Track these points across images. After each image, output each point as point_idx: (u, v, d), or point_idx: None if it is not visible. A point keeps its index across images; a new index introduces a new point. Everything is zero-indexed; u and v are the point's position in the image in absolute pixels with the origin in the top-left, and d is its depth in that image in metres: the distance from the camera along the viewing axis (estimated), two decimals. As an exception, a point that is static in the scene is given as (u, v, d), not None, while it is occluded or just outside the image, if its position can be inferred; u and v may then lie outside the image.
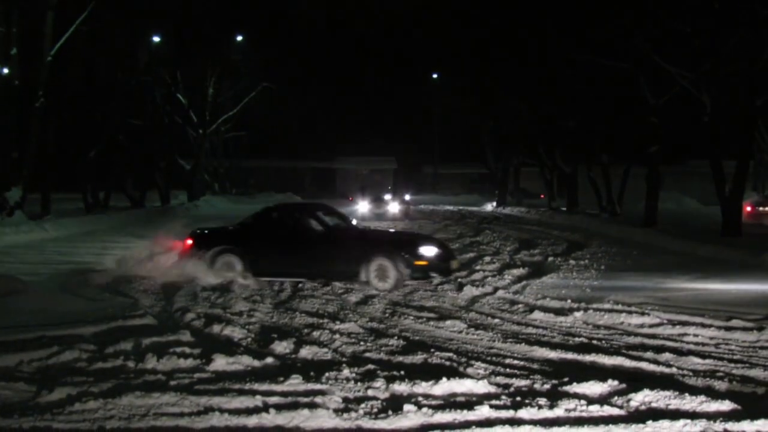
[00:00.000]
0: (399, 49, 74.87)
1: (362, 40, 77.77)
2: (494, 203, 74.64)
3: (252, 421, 8.32)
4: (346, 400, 9.08)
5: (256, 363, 10.84)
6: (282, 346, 11.89)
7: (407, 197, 64.34)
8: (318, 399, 9.00)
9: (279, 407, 8.65)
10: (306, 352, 11.57)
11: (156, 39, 57.45)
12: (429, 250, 19.43)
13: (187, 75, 63.01)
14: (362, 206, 55.68)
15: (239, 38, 66.34)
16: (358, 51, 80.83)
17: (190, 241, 21.02)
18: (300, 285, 19.02)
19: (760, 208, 58.26)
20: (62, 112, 45.90)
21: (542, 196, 76.29)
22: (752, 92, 33.23)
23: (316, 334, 13.01)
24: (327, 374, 10.17)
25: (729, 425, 8.08)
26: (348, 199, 60.85)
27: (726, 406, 8.75)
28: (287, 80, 67.66)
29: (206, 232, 22.09)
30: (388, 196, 59.85)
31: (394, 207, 54.62)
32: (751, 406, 8.71)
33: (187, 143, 66.36)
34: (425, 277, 19.23)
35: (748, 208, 56.13)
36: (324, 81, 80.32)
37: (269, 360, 11.01)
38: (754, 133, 40.04)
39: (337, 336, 12.79)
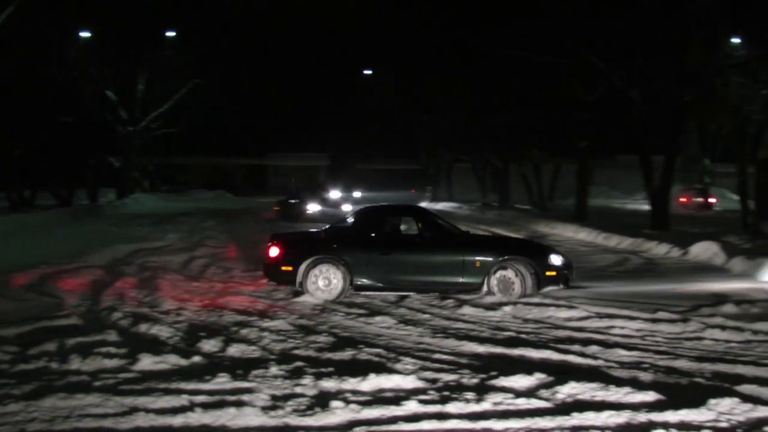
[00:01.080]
0: (331, 46, 74.74)
1: (295, 36, 77.48)
2: (427, 200, 74.68)
3: (178, 420, 8.25)
4: (273, 397, 9.03)
5: (183, 362, 10.73)
6: (210, 345, 11.82)
7: (357, 195, 63.17)
8: (245, 397, 8.97)
9: (205, 406, 8.59)
10: (234, 350, 11.51)
11: (84, 34, 56.88)
12: (557, 259, 17.74)
13: (117, 71, 62.41)
14: (312, 206, 47.39)
15: (171, 34, 65.77)
16: (291, 47, 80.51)
17: (275, 250, 17.97)
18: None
19: (696, 199, 59.61)
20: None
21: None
22: (680, 88, 33.59)
23: (244, 331, 12.96)
24: (255, 372, 10.11)
25: (653, 415, 8.18)
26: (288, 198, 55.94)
27: (651, 396, 8.86)
28: (219, 77, 67.16)
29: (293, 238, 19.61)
30: (336, 194, 55.50)
31: (347, 207, 48.25)
32: (675, 397, 8.83)
33: (116, 140, 65.70)
34: (555, 287, 17.36)
35: (683, 199, 57.30)
36: (256, 77, 79.83)
37: (196, 359, 10.92)
38: (682, 128, 40.39)
39: (265, 333, 12.74)
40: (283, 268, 17.60)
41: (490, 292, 17.02)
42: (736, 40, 35.64)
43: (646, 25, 34.21)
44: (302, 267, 17.29)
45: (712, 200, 61.60)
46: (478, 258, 17.34)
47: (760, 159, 29.44)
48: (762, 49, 32.14)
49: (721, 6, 30.75)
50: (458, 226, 19.47)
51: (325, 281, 17.20)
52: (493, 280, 17.16)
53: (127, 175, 66.31)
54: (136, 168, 70.86)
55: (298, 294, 16.98)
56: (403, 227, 19.15)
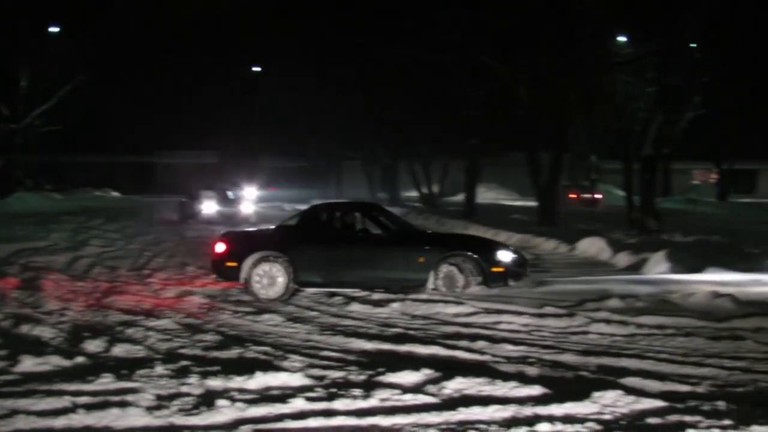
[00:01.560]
0: (220, 43, 74.25)
1: (184, 33, 76.76)
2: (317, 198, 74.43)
3: (60, 422, 8.07)
4: (158, 397, 8.89)
5: (66, 363, 10.54)
6: (94, 345, 11.64)
7: (255, 193, 58.58)
8: (129, 397, 8.81)
9: (89, 407, 8.42)
10: (119, 350, 11.35)
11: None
12: (506, 256, 17.69)
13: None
14: (208, 206, 43.82)
15: (54, 29, 64.59)
16: (180, 44, 79.75)
17: (222, 246, 17.98)
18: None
19: (583, 195, 60.66)
20: None
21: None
22: (567, 86, 34.00)
23: (130, 331, 12.79)
24: (140, 372, 9.97)
25: (538, 409, 8.22)
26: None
27: (536, 390, 8.91)
28: (106, 73, 66.25)
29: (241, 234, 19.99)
30: (235, 193, 50.00)
31: (247, 206, 45.85)
32: (561, 390, 8.88)
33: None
34: (502, 284, 17.24)
35: (573, 195, 58.19)
36: (145, 74, 78.98)
37: (80, 359, 10.74)
38: (569, 126, 40.91)
39: (151, 333, 12.60)
40: (228, 264, 17.58)
41: (435, 289, 16.99)
42: (622, 39, 36.17)
43: (533, 23, 34.56)
44: (247, 263, 17.24)
45: (598, 196, 62.58)
46: (422, 254, 17.38)
47: (644, 156, 29.88)
48: (647, 48, 32.65)
49: (605, 5, 31.14)
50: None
51: (269, 278, 17.14)
52: (439, 276, 17.13)
53: (9, 174, 65.00)
54: (19, 167, 69.47)
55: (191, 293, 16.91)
56: (354, 225, 18.74)
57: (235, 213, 43.66)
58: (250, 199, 49.91)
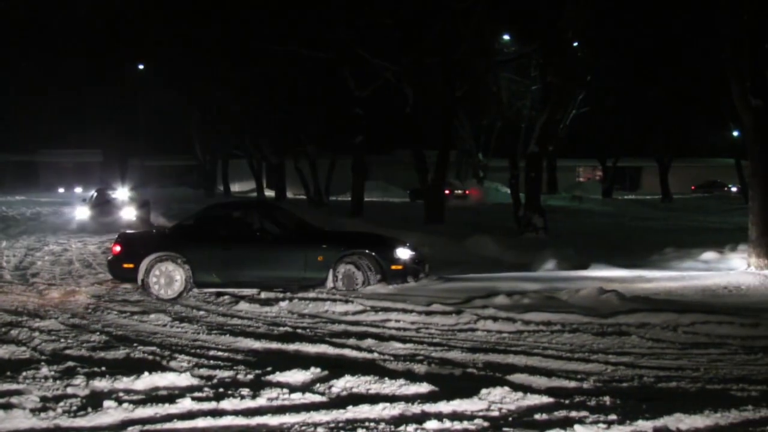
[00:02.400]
0: (101, 39, 73.18)
1: (63, 29, 75.61)
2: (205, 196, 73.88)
3: (-58, 424, 7.93)
4: (44, 399, 8.75)
5: (-52, 365, 10.37)
6: (-23, 347, 11.44)
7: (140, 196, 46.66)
8: (14, 399, 8.64)
9: (-29, 410, 8.27)
10: (2, 351, 11.14)
11: None
12: (404, 253, 17.69)
13: None
14: (81, 212, 39.79)
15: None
16: (58, 40, 78.52)
17: (118, 248, 17.80)
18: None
19: (456, 191, 61.63)
20: None
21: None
22: (450, 84, 34.25)
23: (14, 332, 12.58)
24: (25, 373, 9.80)
25: (426, 406, 8.26)
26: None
27: (424, 388, 8.95)
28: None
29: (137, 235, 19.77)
30: (118, 195, 42.76)
31: (129, 212, 38.75)
32: (448, 387, 8.94)
33: None
34: (401, 282, 17.27)
35: (446, 192, 58.83)
36: (23, 70, 77.71)
37: (-38, 361, 10.57)
38: (455, 124, 41.25)
39: (36, 334, 12.40)
40: (125, 265, 17.42)
41: (334, 287, 17.00)
42: (506, 37, 36.54)
43: (415, 21, 34.74)
44: (144, 264, 17.06)
45: (470, 192, 64.19)
46: (320, 252, 17.40)
47: (530, 153, 30.19)
48: (529, 47, 33.04)
49: (487, 4, 31.38)
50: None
51: (166, 278, 16.97)
52: (338, 275, 17.16)
53: None
54: None
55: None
56: (251, 224, 18.50)
57: (115, 220, 37.00)
58: (141, 203, 41.88)
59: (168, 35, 59.74)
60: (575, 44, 32.18)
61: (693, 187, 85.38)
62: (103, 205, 39.88)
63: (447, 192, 61.60)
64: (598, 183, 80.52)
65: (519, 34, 35.76)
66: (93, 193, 44.06)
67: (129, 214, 38.39)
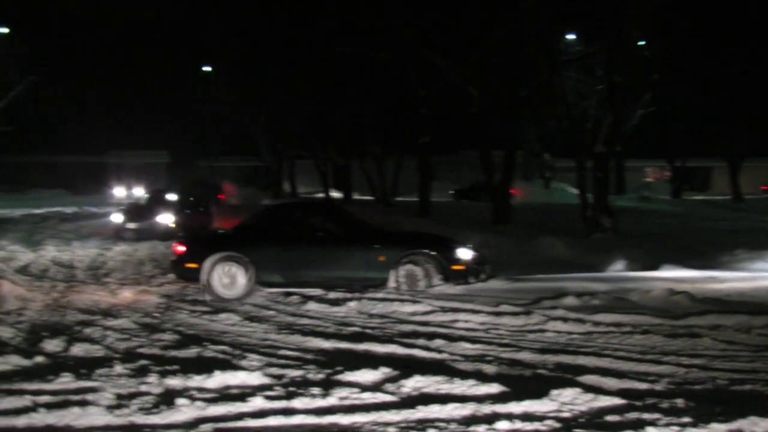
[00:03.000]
0: (170, 41, 73.66)
1: (133, 32, 76.20)
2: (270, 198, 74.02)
3: (21, 421, 8.04)
4: (118, 396, 8.86)
5: (26, 362, 10.51)
6: (53, 345, 11.61)
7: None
8: (90, 396, 8.78)
9: (49, 406, 8.39)
10: (78, 349, 11.31)
11: None
12: (466, 253, 17.69)
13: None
14: (116, 217, 33.88)
15: (3, 30, 63.97)
16: (128, 42, 79.14)
17: (181, 248, 17.96)
18: None
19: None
20: None
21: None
22: (516, 83, 34.16)
23: (88, 330, 12.75)
24: (99, 371, 9.93)
25: (497, 407, 8.25)
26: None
27: (494, 388, 8.93)
28: (56, 73, 65.74)
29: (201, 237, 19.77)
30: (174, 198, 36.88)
31: (166, 218, 32.44)
32: (519, 388, 8.92)
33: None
34: (463, 282, 17.17)
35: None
36: (94, 73, 78.52)
37: (39, 359, 10.71)
38: (519, 123, 41.08)
39: (109, 332, 12.56)
40: (188, 265, 17.52)
41: (396, 287, 17.01)
42: (571, 37, 36.37)
43: (481, 21, 34.66)
44: (207, 264, 17.16)
45: (513, 192, 64.05)
46: (382, 252, 17.42)
47: (596, 153, 29.99)
48: (594, 46, 32.85)
49: (550, 4, 31.26)
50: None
51: (229, 278, 17.09)
52: (399, 275, 17.17)
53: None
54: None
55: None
56: (314, 224, 18.58)
57: (150, 227, 32.27)
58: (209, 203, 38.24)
59: (237, 37, 60.09)
60: (641, 43, 31.95)
61: (763, 188, 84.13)
62: (137, 212, 34.19)
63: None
64: (666, 183, 79.64)
65: (584, 34, 35.55)
66: (143, 196, 40.82)
67: (166, 219, 32.62)
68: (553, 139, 67.83)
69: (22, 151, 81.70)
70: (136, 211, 34.28)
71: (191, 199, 38.50)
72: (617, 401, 8.44)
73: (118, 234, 31.99)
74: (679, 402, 8.41)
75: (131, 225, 32.45)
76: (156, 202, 35.52)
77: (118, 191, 39.12)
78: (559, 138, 64.60)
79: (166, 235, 30.00)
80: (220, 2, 64.04)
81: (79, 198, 67.91)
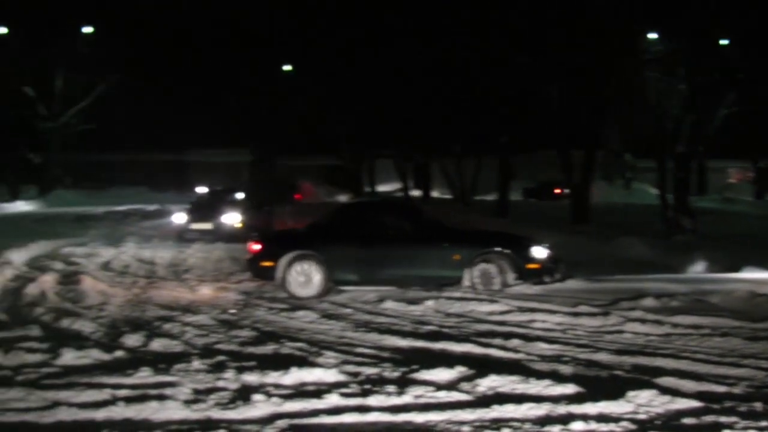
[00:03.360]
0: (251, 41, 74.03)
1: (215, 29, 76.76)
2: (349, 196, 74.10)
3: (101, 414, 8.18)
4: (196, 391, 8.99)
5: (106, 356, 10.70)
6: (132, 339, 11.78)
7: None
8: (168, 391, 8.92)
9: (128, 400, 8.54)
10: (157, 344, 11.47)
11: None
12: (540, 252, 17.57)
13: (34, 66, 61.34)
14: (178, 217, 31.88)
15: (88, 30, 64.67)
16: (211, 41, 79.74)
17: (257, 246, 18.10)
18: None
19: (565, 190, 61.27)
20: None
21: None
22: (597, 83, 33.95)
23: (167, 326, 12.90)
24: (177, 366, 10.07)
25: (572, 407, 8.22)
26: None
27: (570, 389, 8.90)
28: (140, 72, 66.35)
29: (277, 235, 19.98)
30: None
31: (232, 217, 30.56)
32: (595, 389, 8.88)
33: (36, 136, 64.84)
34: (537, 281, 17.20)
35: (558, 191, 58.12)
36: (176, 71, 79.06)
37: (119, 353, 10.89)
38: (601, 123, 40.84)
39: (188, 328, 12.71)
40: (263, 263, 17.67)
41: (471, 286, 16.98)
42: (653, 36, 36.06)
43: (563, 20, 34.52)
44: (282, 262, 17.29)
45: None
46: (456, 251, 17.35)
47: (678, 154, 29.73)
48: (677, 45, 32.54)
49: (635, 2, 31.07)
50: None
51: (305, 277, 17.18)
52: (474, 274, 17.12)
53: (48, 171, 65.47)
54: (58, 164, 69.80)
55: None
56: (388, 223, 18.59)
57: (216, 228, 30.30)
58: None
59: (318, 37, 60.33)
60: (723, 42, 31.60)
61: None
62: (201, 211, 31.78)
63: (558, 191, 60.97)
64: (750, 184, 78.55)
65: (665, 33, 35.23)
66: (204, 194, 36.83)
67: (232, 220, 30.40)
68: (635, 140, 67.24)
69: (105, 149, 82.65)
70: (200, 210, 32.03)
71: (258, 198, 37.23)
72: (694, 404, 8.36)
73: (180, 236, 30.41)
74: (758, 406, 8.29)
75: (195, 226, 30.73)
76: (221, 201, 32.87)
77: (200, 189, 37.86)
78: (641, 138, 64.11)
79: (232, 236, 28.40)
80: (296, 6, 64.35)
81: (160, 195, 68.44)
